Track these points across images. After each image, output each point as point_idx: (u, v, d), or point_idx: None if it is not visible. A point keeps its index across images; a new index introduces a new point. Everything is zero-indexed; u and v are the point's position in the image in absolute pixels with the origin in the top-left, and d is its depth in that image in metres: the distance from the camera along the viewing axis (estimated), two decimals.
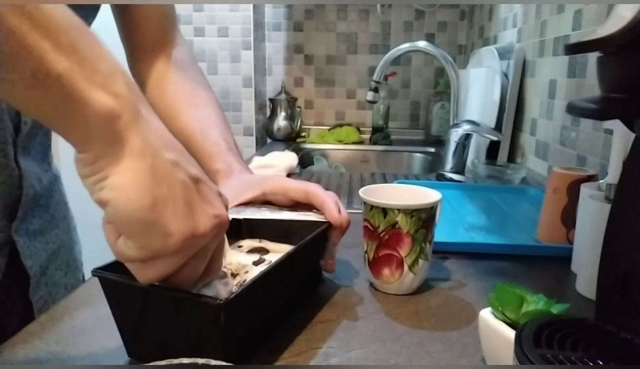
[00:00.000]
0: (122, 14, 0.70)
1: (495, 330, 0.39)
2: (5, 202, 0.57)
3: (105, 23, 0.65)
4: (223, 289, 0.42)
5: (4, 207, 0.57)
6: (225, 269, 0.45)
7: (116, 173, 0.30)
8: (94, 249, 0.76)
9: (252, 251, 0.54)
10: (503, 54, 1.30)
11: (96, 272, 0.38)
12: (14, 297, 0.60)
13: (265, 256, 0.51)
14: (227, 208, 0.37)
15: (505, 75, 1.27)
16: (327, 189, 0.56)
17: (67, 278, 0.68)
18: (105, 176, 0.30)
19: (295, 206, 0.57)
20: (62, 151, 0.76)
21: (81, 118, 0.29)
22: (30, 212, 0.61)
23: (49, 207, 0.66)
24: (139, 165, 0.30)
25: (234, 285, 0.44)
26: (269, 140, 1.86)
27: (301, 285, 0.52)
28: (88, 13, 0.61)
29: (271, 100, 1.84)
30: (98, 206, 0.31)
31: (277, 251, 0.53)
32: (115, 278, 0.38)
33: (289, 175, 1.14)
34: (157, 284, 0.41)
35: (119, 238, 0.32)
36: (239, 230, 0.56)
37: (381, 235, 0.52)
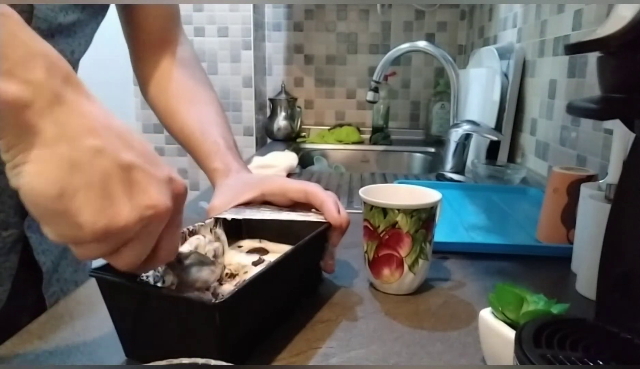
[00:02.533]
0: (126, 13, 0.70)
1: (495, 330, 0.39)
2: (18, 200, 0.58)
3: (107, 21, 0.65)
4: (210, 275, 0.41)
5: (16, 205, 0.57)
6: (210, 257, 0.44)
7: (26, 162, 0.29)
8: None
9: (252, 251, 0.54)
10: (503, 54, 1.30)
11: (93, 273, 0.38)
12: (27, 292, 0.61)
13: (264, 257, 0.51)
14: (181, 195, 0.35)
15: (505, 75, 1.27)
16: (327, 189, 0.56)
17: (77, 274, 0.69)
18: (17, 163, 0.29)
19: (295, 206, 0.57)
20: None
21: None
22: None
23: None
24: (50, 155, 0.29)
25: (218, 274, 0.43)
26: (269, 140, 1.86)
27: (300, 286, 0.52)
28: (97, 12, 0.62)
29: (271, 100, 1.84)
30: None
31: (277, 251, 0.53)
32: (112, 279, 0.38)
33: (289, 175, 1.14)
34: (153, 284, 0.41)
35: None
36: (239, 230, 0.56)
37: (381, 235, 0.52)
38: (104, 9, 0.63)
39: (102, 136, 0.31)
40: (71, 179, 0.29)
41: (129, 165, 0.31)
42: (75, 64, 0.63)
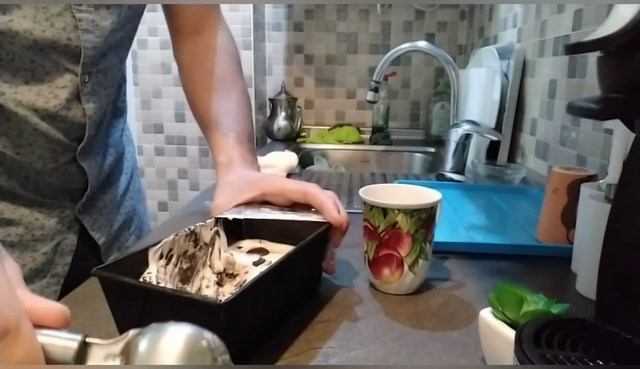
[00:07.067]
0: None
1: (495, 330, 0.39)
2: (65, 188, 0.64)
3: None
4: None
5: (64, 193, 0.64)
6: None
7: None
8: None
9: (252, 251, 0.54)
10: (503, 54, 1.30)
11: (96, 272, 0.38)
12: (89, 260, 0.68)
13: (265, 257, 0.51)
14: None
15: (505, 75, 1.27)
16: (327, 189, 0.56)
17: (139, 242, 0.74)
18: None
19: (294, 206, 0.57)
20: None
21: None
22: (94, 196, 0.68)
23: (118, 182, 0.74)
24: None
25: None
26: (269, 140, 1.86)
27: (302, 286, 0.52)
28: (140, 12, 0.65)
29: (271, 100, 1.84)
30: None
31: (277, 251, 0.53)
32: (115, 278, 0.38)
33: (289, 175, 1.14)
34: (156, 284, 0.41)
35: None
36: (239, 230, 0.56)
37: (381, 235, 0.52)
38: (140, 12, 0.66)
39: None
40: None
41: None
42: (125, 72, 0.70)
